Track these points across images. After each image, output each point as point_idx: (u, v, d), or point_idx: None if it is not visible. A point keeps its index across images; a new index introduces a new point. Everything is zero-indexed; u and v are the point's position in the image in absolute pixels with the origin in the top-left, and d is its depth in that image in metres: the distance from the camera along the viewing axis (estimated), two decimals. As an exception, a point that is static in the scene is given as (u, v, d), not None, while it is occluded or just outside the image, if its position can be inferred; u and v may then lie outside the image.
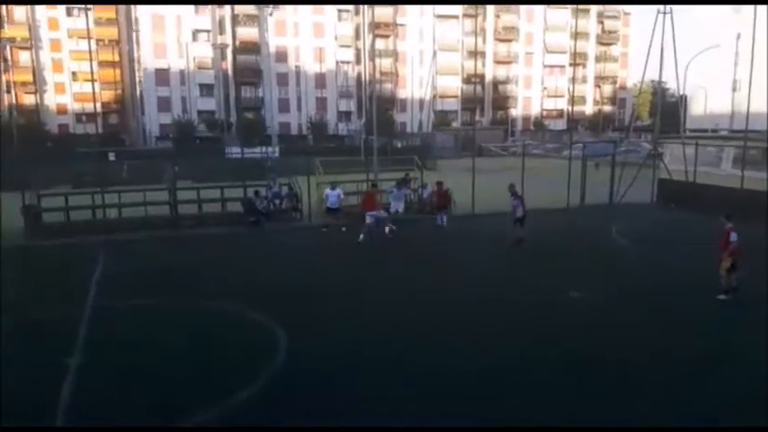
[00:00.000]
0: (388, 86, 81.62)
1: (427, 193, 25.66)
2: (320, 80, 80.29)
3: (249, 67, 77.60)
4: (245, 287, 13.58)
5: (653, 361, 9.25)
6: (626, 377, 8.70)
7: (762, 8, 24.51)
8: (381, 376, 8.79)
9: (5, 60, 74.21)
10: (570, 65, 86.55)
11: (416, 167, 27.48)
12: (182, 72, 75.47)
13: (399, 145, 65.52)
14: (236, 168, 30.17)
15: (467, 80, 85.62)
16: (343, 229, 20.04)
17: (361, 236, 18.36)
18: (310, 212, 23.20)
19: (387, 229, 19.37)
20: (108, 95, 77.80)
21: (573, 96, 67.08)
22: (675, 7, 29.64)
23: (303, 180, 23.99)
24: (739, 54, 55.08)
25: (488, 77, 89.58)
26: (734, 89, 56.01)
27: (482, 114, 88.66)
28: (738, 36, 54.04)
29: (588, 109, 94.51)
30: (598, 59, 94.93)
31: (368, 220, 18.62)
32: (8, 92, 74.81)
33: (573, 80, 69.46)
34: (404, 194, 20.23)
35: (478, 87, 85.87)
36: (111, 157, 57.67)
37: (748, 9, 29.17)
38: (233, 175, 27.89)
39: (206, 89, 77.68)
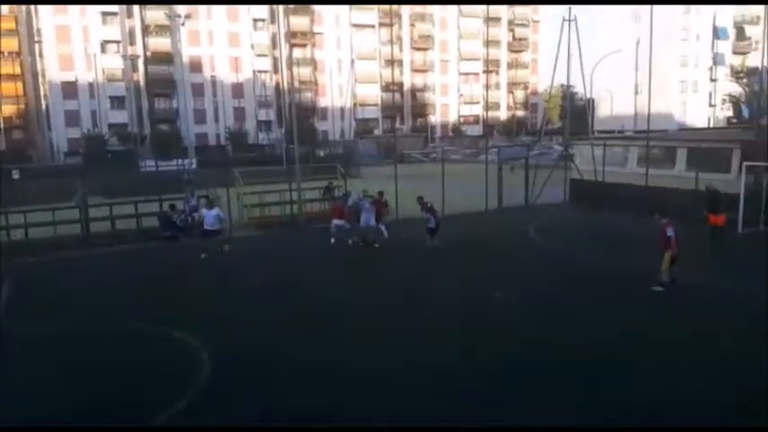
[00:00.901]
0: (307, 95, 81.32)
1: (351, 200, 25.73)
2: (237, 90, 78.90)
3: (162, 77, 75.18)
4: (159, 306, 13.13)
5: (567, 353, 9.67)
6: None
7: (657, 16, 26.18)
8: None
9: None
10: (484, 72, 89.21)
11: (340, 175, 27.46)
12: (90, 84, 72.03)
13: (322, 153, 65.27)
14: (151, 182, 29.14)
15: (386, 88, 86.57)
16: (226, 247, 19.13)
17: (332, 239, 19.62)
18: (231, 224, 22.72)
19: (350, 240, 19.84)
20: (10, 110, 73.34)
21: (487, 102, 69.13)
22: (580, 15, 31.25)
23: (223, 192, 23.47)
24: (639, 59, 58.53)
25: (407, 85, 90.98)
26: (636, 92, 59.53)
27: (402, 122, 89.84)
28: (638, 42, 57.54)
29: (503, 114, 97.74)
30: (510, 66, 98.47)
31: (333, 227, 19.74)
32: None
33: (487, 87, 71.77)
34: (373, 207, 19.29)
35: (397, 95, 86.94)
36: (15, 174, 54.19)
37: (647, 16, 31.01)
38: (148, 190, 26.90)
39: (117, 101, 74.56)
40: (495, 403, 8.10)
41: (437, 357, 9.68)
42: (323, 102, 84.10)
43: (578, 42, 30.59)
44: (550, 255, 17.51)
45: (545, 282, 14.07)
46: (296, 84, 68.75)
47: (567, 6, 31.16)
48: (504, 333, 10.74)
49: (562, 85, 76.05)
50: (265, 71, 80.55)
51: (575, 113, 51.96)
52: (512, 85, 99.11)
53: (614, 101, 72.38)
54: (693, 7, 78.30)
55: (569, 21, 30.79)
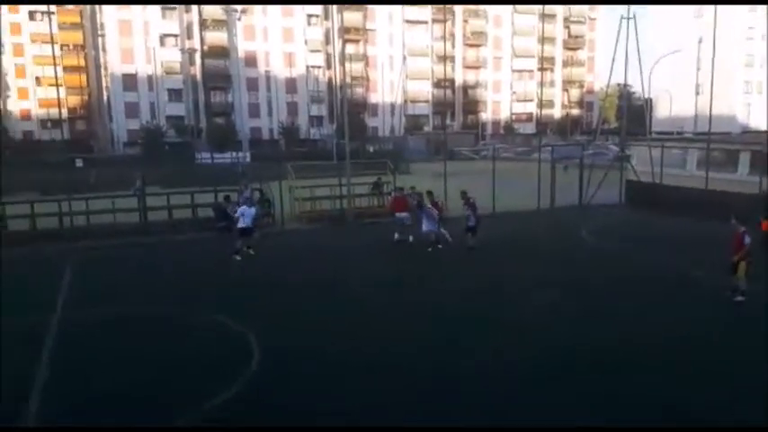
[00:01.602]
0: (359, 91, 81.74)
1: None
2: (291, 85, 79.94)
3: (218, 71, 76.94)
4: (214, 293, 13.46)
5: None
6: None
7: (721, 13, 25.25)
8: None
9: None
10: (538, 69, 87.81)
11: (389, 171, 27.52)
12: (149, 77, 74.35)
13: (372, 149, 65.68)
14: (207, 174, 29.87)
15: (437, 84, 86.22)
16: (251, 251, 17.76)
17: (396, 234, 19.00)
18: (282, 217, 23.05)
19: (411, 237, 18.87)
20: (74, 101, 76.36)
21: (541, 100, 67.95)
22: (639, 12, 30.36)
23: (275, 185, 23.85)
24: (701, 58, 56.51)
25: (458, 82, 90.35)
26: (697, 92, 57.50)
27: (453, 118, 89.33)
28: (700, 40, 55.52)
29: (557, 113, 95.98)
30: (565, 64, 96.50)
31: (397, 221, 19.17)
32: (-31, 98, 73.05)
33: (541, 84, 70.52)
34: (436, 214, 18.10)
35: (449, 92, 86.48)
36: (79, 163, 56.54)
37: (709, 14, 29.97)
38: (203, 181, 27.59)
39: (174, 94, 76.67)
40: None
41: (492, 358, 9.60)
42: (374, 98, 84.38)
43: (637, 41, 29.73)
44: (605, 255, 17.12)
45: (601, 283, 13.75)
46: (348, 79, 69.27)
47: (625, 5, 30.32)
48: (550, 334, 10.55)
49: (619, 84, 74.17)
50: (318, 66, 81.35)
51: (632, 113, 50.62)
52: (567, 83, 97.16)
53: (673, 101, 70.11)
54: (759, 5, 74.97)
55: (628, 18, 29.95)
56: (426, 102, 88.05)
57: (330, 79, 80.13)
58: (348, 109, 26.89)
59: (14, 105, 75.36)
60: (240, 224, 17.10)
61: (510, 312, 11.87)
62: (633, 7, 29.96)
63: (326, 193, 25.58)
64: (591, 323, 11.14)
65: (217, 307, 12.22)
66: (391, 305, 12.56)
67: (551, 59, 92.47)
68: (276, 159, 29.52)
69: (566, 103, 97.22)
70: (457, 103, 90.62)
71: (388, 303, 12.69)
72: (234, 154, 60.28)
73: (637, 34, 29.56)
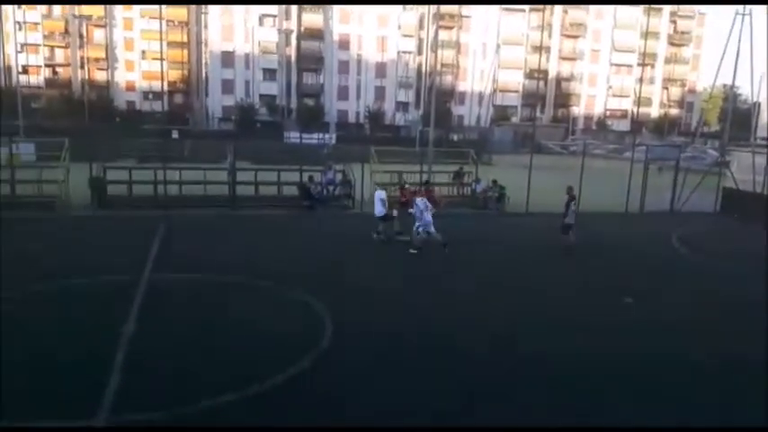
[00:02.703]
0: (448, 78, 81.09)
1: (480, 187, 25.54)
2: (380, 69, 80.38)
3: (312, 53, 78.55)
4: (296, 269, 13.81)
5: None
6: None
7: None
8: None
9: (81, 37, 77.42)
10: (638, 65, 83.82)
11: (471, 161, 27.23)
12: (246, 56, 76.89)
13: (456, 138, 65.23)
14: (294, 153, 30.66)
15: (529, 75, 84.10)
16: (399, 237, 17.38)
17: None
18: (363, 200, 23.34)
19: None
20: (175, 75, 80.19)
21: (639, 97, 64.80)
22: (757, 8, 28.32)
23: (357, 167, 24.16)
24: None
25: (552, 73, 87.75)
26: (813, 98, 53.13)
27: (543, 111, 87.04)
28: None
29: (654, 111, 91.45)
30: (668, 60, 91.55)
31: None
32: (81, 67, 78.11)
33: (640, 80, 67.13)
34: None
35: (541, 83, 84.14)
36: (175, 135, 59.46)
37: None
38: (290, 160, 28.31)
39: (269, 74, 78.93)
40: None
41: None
42: (462, 86, 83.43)
43: (751, 39, 27.81)
44: (695, 268, 16.21)
45: (688, 301, 13.05)
46: (438, 66, 68.81)
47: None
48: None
49: (725, 86, 69.77)
50: (409, 52, 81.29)
51: (736, 117, 47.46)
52: (668, 81, 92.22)
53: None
54: None
55: (743, 15, 28.03)
56: (516, 92, 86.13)
57: (420, 65, 79.88)
58: (436, 96, 26.75)
59: (121, 77, 79.95)
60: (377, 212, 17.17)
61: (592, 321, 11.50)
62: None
63: (407, 179, 25.63)
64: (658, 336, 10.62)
65: (292, 279, 12.55)
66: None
67: (653, 55, 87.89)
68: (361, 142, 29.81)
69: (665, 101, 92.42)
70: (549, 95, 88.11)
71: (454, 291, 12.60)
72: (321, 135, 61.43)
73: (751, 32, 27.67)
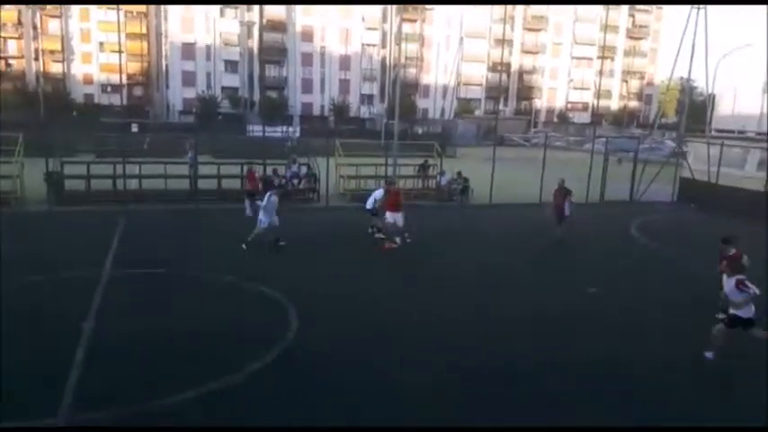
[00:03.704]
0: (412, 71, 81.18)
1: (445, 179, 25.71)
2: (345, 62, 79.99)
3: (274, 45, 77.61)
4: (256, 264, 13.70)
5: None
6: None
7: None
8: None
9: (35, 28, 74.99)
10: (598, 58, 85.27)
11: (436, 154, 27.37)
12: (208, 47, 75.53)
13: (420, 131, 65.39)
14: (257, 146, 30.33)
15: (492, 68, 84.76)
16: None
17: (397, 240, 15.95)
18: (327, 194, 23.24)
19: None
20: (134, 67, 78.28)
21: (599, 90, 65.91)
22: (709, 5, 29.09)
23: (322, 161, 24.06)
24: (773, 55, 53.78)
25: (514, 66, 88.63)
26: (764, 91, 54.98)
27: (506, 104, 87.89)
28: (773, 36, 52.90)
29: (614, 103, 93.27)
30: (627, 53, 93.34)
31: (389, 220, 15.87)
32: (36, 59, 75.67)
33: (600, 73, 68.49)
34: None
35: (504, 76, 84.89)
36: (134, 128, 58.20)
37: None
38: (253, 153, 27.97)
39: (231, 66, 77.73)
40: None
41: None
42: (426, 79, 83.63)
43: (705, 33, 28.60)
44: (653, 256, 16.66)
45: (645, 287, 13.42)
46: (402, 59, 68.83)
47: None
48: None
49: (682, 78, 71.52)
50: (373, 45, 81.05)
51: (692, 109, 48.81)
52: (627, 74, 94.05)
53: (738, 99, 67.18)
54: None
55: (698, 8, 28.79)
56: (480, 85, 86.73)
57: (384, 58, 79.79)
58: (400, 89, 26.77)
59: (78, 69, 77.69)
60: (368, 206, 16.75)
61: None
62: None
63: (372, 172, 25.65)
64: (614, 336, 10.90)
65: (253, 274, 12.46)
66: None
67: (613, 48, 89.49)
68: (325, 136, 29.64)
69: (624, 94, 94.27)
70: (511, 89, 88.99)
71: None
72: (284, 128, 60.86)
73: (706, 26, 28.44)
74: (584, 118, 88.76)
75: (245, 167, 21.91)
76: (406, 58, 76.62)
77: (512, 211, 23.13)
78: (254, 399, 7.55)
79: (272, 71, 79.36)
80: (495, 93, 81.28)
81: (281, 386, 7.84)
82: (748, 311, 8.70)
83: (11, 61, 75.95)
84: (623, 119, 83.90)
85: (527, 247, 16.80)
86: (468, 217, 22.09)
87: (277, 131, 57.93)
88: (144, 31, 78.50)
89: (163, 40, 78.74)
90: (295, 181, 24.52)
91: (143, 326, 9.65)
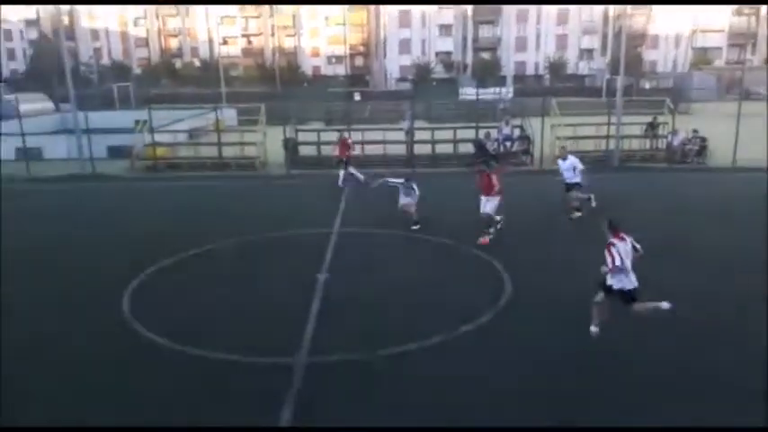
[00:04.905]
0: (638, 20, 74.13)
1: (678, 139, 23.30)
2: (562, 16, 75.91)
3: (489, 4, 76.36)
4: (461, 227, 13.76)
5: None
6: None
7: None
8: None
9: (270, 6, 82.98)
10: None
11: (667, 111, 24.83)
12: (422, 13, 76.91)
13: (647, 86, 60.08)
14: (469, 109, 30.36)
15: (738, 12, 73.82)
16: (593, 203, 14.76)
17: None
18: (542, 157, 22.45)
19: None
20: (355, 38, 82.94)
21: None
22: None
23: (537, 122, 23.23)
24: None
25: (765, 8, 76.16)
26: None
27: (753, 52, 76.21)
28: None
29: None
30: None
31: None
32: (272, 35, 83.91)
33: None
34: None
35: (752, 20, 73.41)
36: (357, 97, 61.85)
37: None
38: (466, 117, 28.07)
39: (444, 30, 78.38)
40: None
41: None
42: (654, 28, 75.79)
43: None
44: None
45: None
46: (627, 8, 63.21)
47: None
48: None
49: None
50: (595, -6, 75.54)
51: None
52: None
53: None
54: None
55: None
56: (721, 32, 76.24)
57: (606, 8, 73.95)
58: (624, 41, 24.61)
59: (306, 43, 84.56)
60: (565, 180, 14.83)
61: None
62: None
63: (592, 132, 24.16)
64: None
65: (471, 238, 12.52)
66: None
67: None
68: (540, 95, 28.58)
69: None
70: (760, 34, 76.74)
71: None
72: (497, 89, 59.97)
73: None
74: None
75: (340, 134, 21.12)
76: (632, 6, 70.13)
77: (760, 175, 20.14)
78: (461, 356, 7.71)
79: (485, 32, 78.39)
80: (741, 39, 70.78)
81: (488, 347, 7.87)
82: (620, 282, 7.64)
83: (251, 39, 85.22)
84: None
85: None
86: (706, 182, 19.75)
87: (489, 93, 57.33)
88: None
89: (381, 9, 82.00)
90: (507, 144, 24.07)
91: (369, 280, 10.35)
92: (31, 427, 6.41)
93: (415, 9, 76.75)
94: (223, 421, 6.28)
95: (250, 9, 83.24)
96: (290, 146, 23.31)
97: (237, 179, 21.26)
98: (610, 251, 7.60)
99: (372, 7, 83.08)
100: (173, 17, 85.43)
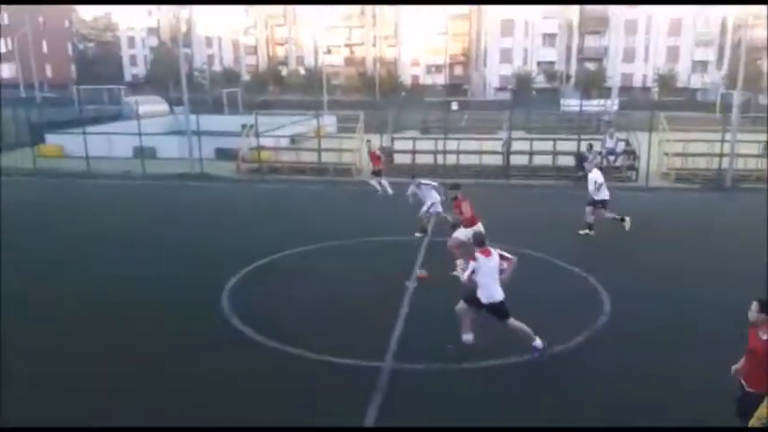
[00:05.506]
0: (760, 32, 69.15)
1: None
2: (674, 26, 72.17)
3: (596, 14, 73.95)
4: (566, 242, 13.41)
5: None
6: None
7: None
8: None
9: (373, 16, 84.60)
10: None
11: (788, 129, 23.10)
12: (526, 22, 75.63)
13: (767, 101, 55.96)
14: (571, 121, 29.56)
15: None
16: (626, 223, 14.34)
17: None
18: (648, 173, 21.46)
19: None
20: (455, 48, 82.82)
21: None
22: None
23: (644, 136, 22.26)
24: None
25: None
26: None
27: None
28: None
29: None
30: None
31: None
32: (373, 45, 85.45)
33: None
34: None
35: None
36: (454, 106, 61.66)
37: None
38: (567, 128, 27.34)
39: (548, 39, 76.69)
40: None
41: None
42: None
43: None
44: None
45: None
46: (747, 18, 59.20)
47: None
48: None
49: None
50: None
51: None
52: None
53: None
54: None
55: None
56: None
57: (724, 17, 69.64)
58: (744, 53, 23.09)
59: (406, 54, 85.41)
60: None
61: None
62: None
63: (704, 149, 22.85)
64: None
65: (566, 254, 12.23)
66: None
67: None
68: (647, 108, 27.35)
69: None
70: None
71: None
72: (601, 101, 57.93)
73: None
74: None
75: (368, 146, 21.26)
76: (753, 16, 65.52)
77: None
78: (544, 378, 7.55)
79: (591, 42, 75.98)
80: None
81: (584, 364, 7.65)
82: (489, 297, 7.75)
83: (354, 49, 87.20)
84: None
85: None
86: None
87: (593, 105, 55.50)
88: (467, 11, 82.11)
89: (482, 17, 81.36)
90: (611, 157, 23.18)
91: (451, 289, 10.33)
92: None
93: (519, 18, 75.55)
94: (308, 421, 6.51)
95: (354, 19, 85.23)
96: (386, 154, 23.64)
97: (335, 184, 21.87)
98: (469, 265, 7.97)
99: (475, 16, 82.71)
100: (280, 26, 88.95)
